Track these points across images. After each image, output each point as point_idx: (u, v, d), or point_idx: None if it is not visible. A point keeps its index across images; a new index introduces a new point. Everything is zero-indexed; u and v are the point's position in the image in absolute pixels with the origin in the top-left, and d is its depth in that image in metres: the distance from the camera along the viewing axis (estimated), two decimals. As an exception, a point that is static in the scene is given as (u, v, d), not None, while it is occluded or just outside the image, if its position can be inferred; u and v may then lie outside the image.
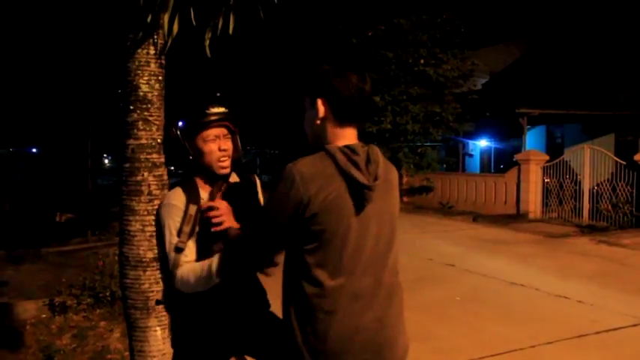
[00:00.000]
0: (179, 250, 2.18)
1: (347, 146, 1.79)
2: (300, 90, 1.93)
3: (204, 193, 2.28)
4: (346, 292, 1.76)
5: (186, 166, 2.32)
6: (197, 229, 2.19)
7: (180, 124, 2.28)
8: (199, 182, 2.29)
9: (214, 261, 2.06)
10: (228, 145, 2.27)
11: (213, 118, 2.22)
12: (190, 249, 2.19)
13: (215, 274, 2.04)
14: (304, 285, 1.77)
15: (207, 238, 2.18)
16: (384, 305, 1.86)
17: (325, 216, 1.73)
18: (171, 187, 2.36)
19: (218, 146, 2.24)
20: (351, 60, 1.90)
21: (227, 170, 2.29)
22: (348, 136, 1.84)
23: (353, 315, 1.77)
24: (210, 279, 2.07)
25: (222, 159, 2.25)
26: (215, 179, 2.29)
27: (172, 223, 2.21)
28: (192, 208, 2.19)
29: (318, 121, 1.84)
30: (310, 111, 1.87)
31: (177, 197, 2.23)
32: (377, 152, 1.84)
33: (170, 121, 2.34)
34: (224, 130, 2.26)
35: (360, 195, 1.75)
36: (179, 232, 2.18)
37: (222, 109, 2.24)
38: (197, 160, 2.26)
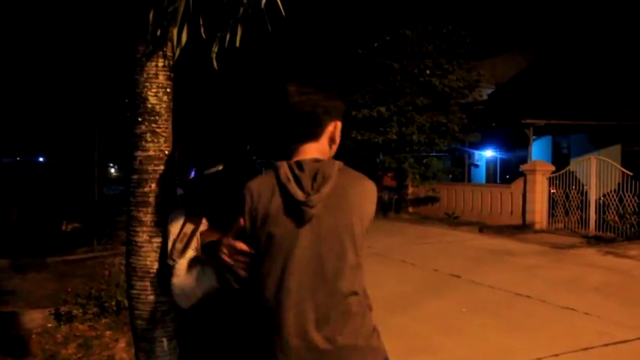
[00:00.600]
0: (171, 264, 2.13)
1: (296, 161, 1.79)
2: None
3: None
4: (289, 314, 1.73)
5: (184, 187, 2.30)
6: (191, 252, 2.12)
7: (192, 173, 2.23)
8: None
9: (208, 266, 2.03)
10: None
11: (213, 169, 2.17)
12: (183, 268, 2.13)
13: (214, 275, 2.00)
14: (256, 297, 1.80)
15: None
16: (333, 325, 1.75)
17: (266, 229, 1.74)
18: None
19: None
20: (310, 71, 1.95)
21: None
22: (305, 152, 1.84)
23: (302, 339, 1.73)
24: (203, 277, 2.03)
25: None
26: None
27: (173, 229, 2.19)
28: (189, 227, 2.14)
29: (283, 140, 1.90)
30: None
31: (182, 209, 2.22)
32: (332, 167, 1.77)
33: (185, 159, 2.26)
34: None
35: (297, 211, 1.72)
36: (171, 250, 2.13)
37: (219, 168, 2.15)
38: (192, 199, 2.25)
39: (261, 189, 1.77)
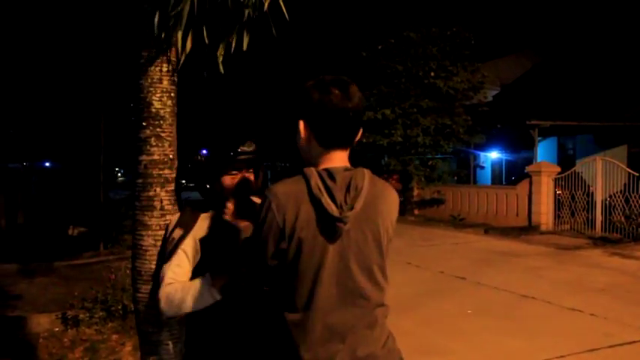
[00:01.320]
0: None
1: (326, 169, 1.67)
2: (291, 111, 1.83)
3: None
4: (317, 326, 1.68)
5: (202, 190, 2.28)
6: (179, 257, 2.13)
7: (206, 153, 2.27)
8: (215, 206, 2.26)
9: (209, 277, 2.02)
10: (249, 177, 2.22)
11: (242, 157, 2.18)
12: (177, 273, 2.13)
13: (213, 288, 2.00)
14: (281, 315, 1.72)
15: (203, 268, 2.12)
16: (358, 337, 1.73)
17: (297, 242, 1.65)
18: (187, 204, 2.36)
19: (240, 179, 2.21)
20: (337, 76, 1.76)
21: None
22: (334, 159, 1.72)
23: (327, 350, 1.69)
24: (205, 296, 2.02)
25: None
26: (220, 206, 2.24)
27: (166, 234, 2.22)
28: (177, 232, 2.15)
29: (303, 143, 1.76)
30: (297, 133, 1.77)
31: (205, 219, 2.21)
32: (362, 177, 1.69)
33: (199, 147, 2.31)
34: (245, 167, 2.22)
35: (330, 225, 1.64)
36: (168, 253, 2.14)
37: (252, 148, 2.19)
38: (215, 190, 2.21)
39: (288, 196, 1.66)
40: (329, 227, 1.64)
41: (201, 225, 2.17)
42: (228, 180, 2.17)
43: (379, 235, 1.73)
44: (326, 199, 1.62)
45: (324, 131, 1.70)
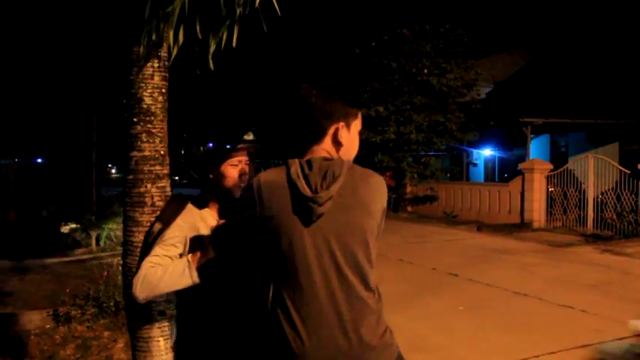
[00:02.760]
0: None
1: (307, 159, 1.79)
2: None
3: (211, 211, 2.25)
4: (299, 309, 1.73)
5: (201, 184, 2.28)
6: (157, 250, 2.14)
7: (210, 145, 2.28)
8: (211, 202, 2.27)
9: (190, 259, 2.05)
10: (248, 171, 2.25)
11: (244, 145, 2.23)
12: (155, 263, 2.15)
13: (191, 271, 2.01)
14: (266, 299, 1.79)
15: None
16: (350, 323, 1.76)
17: (273, 226, 1.74)
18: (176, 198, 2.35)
19: (240, 173, 2.23)
20: (323, 71, 1.92)
21: None
22: (312, 152, 1.84)
23: (310, 332, 1.73)
24: (183, 275, 2.03)
25: (241, 185, 2.23)
26: (227, 200, 2.25)
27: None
28: (157, 226, 2.18)
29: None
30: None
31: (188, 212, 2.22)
32: (340, 166, 1.77)
33: (197, 140, 2.31)
34: (247, 156, 2.27)
35: (305, 208, 1.72)
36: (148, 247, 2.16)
37: (252, 137, 2.25)
38: (215, 181, 2.22)
39: (270, 181, 1.77)
40: (303, 209, 1.72)
41: (188, 217, 2.18)
42: (230, 170, 2.19)
43: (361, 220, 1.77)
44: (301, 183, 1.72)
45: (292, 129, 1.88)
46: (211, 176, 2.21)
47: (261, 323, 1.91)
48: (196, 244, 2.12)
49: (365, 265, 1.78)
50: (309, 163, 1.77)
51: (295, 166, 1.77)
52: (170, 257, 2.10)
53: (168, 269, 2.04)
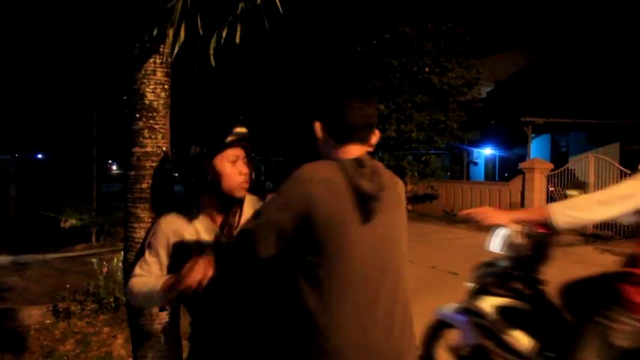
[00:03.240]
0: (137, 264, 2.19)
1: (355, 158, 1.80)
2: (306, 113, 1.98)
3: (208, 219, 2.17)
4: (351, 305, 1.72)
5: (199, 188, 2.15)
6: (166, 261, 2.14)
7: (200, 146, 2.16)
8: (208, 205, 2.16)
9: (165, 279, 2.01)
10: (247, 169, 2.14)
11: (235, 137, 2.09)
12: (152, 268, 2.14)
13: (160, 292, 1.97)
14: (305, 299, 1.75)
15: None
16: (391, 319, 1.80)
17: (329, 224, 1.70)
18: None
19: (238, 171, 2.10)
20: (355, 85, 1.99)
21: (245, 193, 2.18)
22: (353, 151, 1.85)
23: (358, 330, 1.73)
24: (153, 297, 2.02)
25: (243, 184, 2.12)
26: (229, 202, 2.16)
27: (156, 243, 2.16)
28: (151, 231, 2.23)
29: (320, 142, 1.90)
30: (314, 133, 1.92)
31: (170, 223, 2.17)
32: (380, 165, 1.87)
33: (189, 140, 2.20)
34: (243, 152, 2.14)
35: (365, 205, 1.74)
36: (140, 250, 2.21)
37: (244, 130, 2.13)
38: (214, 182, 2.09)
39: (323, 177, 1.75)
40: (364, 208, 1.75)
41: (173, 224, 2.15)
42: (228, 167, 2.08)
43: (401, 216, 1.92)
44: (362, 180, 1.74)
45: (341, 131, 1.86)
46: (209, 177, 2.09)
47: (283, 319, 1.89)
48: (180, 252, 2.09)
49: (405, 259, 1.92)
50: (360, 161, 1.80)
51: (349, 163, 1.78)
52: (159, 263, 2.13)
53: (146, 286, 2.05)
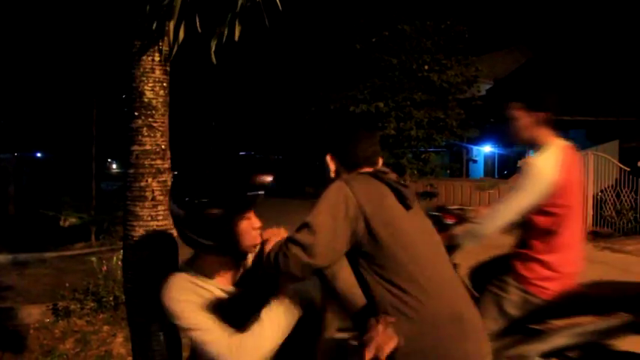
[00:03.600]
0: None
1: (381, 169, 2.12)
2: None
3: (219, 283, 1.97)
4: (413, 284, 1.91)
5: (213, 250, 1.90)
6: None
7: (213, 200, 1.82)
8: (213, 263, 1.95)
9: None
10: (259, 222, 1.95)
11: (259, 192, 1.88)
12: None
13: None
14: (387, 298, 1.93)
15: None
16: (463, 294, 2.08)
17: (389, 226, 1.90)
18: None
19: (252, 225, 1.91)
20: (360, 119, 2.16)
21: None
22: (380, 163, 2.21)
23: (451, 306, 1.95)
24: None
25: (257, 239, 1.95)
26: (240, 258, 2.01)
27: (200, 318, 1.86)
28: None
29: (332, 174, 2.15)
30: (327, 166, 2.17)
31: (185, 289, 1.90)
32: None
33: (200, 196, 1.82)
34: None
35: (407, 207, 1.99)
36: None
37: (267, 178, 1.96)
38: (234, 243, 1.89)
39: (372, 194, 1.94)
40: (406, 208, 1.99)
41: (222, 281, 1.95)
42: (246, 225, 1.87)
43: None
44: (403, 189, 1.99)
45: (350, 161, 2.14)
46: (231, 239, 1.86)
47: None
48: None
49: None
50: (384, 172, 2.07)
51: (390, 175, 2.05)
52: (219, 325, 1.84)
53: (263, 327, 1.81)
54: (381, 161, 2.20)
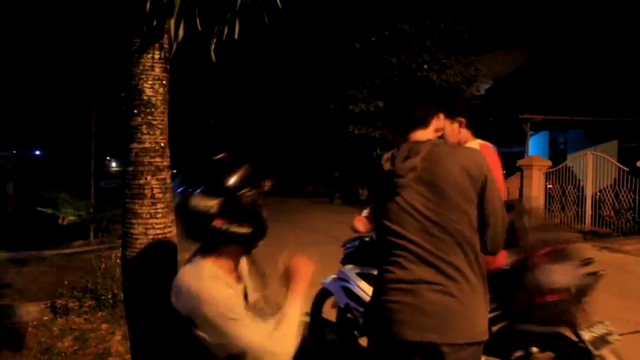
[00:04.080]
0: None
1: (407, 143, 2.21)
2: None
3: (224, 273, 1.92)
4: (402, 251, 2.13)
5: (242, 239, 1.87)
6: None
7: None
8: (230, 252, 1.93)
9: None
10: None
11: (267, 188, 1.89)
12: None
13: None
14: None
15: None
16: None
17: (377, 198, 2.25)
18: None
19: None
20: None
21: None
22: (417, 136, 2.23)
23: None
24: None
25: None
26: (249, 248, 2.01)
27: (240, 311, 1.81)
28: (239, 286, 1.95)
29: (389, 139, 2.37)
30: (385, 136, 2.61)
31: (220, 277, 1.86)
32: (426, 145, 2.14)
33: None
34: None
35: (390, 182, 2.13)
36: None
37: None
38: (262, 223, 1.90)
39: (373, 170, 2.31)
40: (389, 184, 2.14)
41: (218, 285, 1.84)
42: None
43: (448, 186, 2.08)
44: (386, 162, 2.17)
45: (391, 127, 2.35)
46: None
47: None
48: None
49: (455, 220, 2.09)
50: (399, 146, 2.20)
51: (388, 154, 2.21)
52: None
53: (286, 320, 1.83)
54: (438, 122, 2.32)
